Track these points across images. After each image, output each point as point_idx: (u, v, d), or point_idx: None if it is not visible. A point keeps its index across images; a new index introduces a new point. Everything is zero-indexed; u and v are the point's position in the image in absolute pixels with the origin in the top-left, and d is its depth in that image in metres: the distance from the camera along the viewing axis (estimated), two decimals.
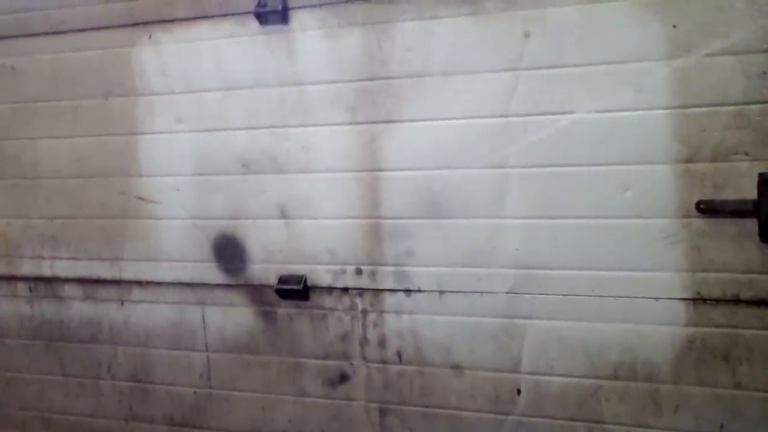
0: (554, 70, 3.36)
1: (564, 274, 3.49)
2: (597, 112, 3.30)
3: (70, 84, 4.14)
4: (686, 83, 3.16)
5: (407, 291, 3.72)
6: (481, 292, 3.61)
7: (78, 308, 4.44)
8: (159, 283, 4.15)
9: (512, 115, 3.41)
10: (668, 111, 3.22)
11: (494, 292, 3.60)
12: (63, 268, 4.42)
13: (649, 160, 3.20)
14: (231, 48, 3.77)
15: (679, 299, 3.23)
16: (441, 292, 3.67)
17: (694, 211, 3.14)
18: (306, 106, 3.67)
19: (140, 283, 4.18)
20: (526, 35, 3.37)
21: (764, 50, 3.04)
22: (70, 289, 4.43)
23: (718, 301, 3.17)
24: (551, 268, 3.50)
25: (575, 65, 3.33)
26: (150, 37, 3.95)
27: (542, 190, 3.45)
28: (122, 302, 4.25)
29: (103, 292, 4.34)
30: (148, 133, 4.03)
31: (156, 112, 3.89)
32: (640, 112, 3.26)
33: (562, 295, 3.49)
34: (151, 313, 4.21)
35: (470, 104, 3.46)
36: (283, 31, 3.68)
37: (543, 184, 3.44)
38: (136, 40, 3.96)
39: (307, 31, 3.60)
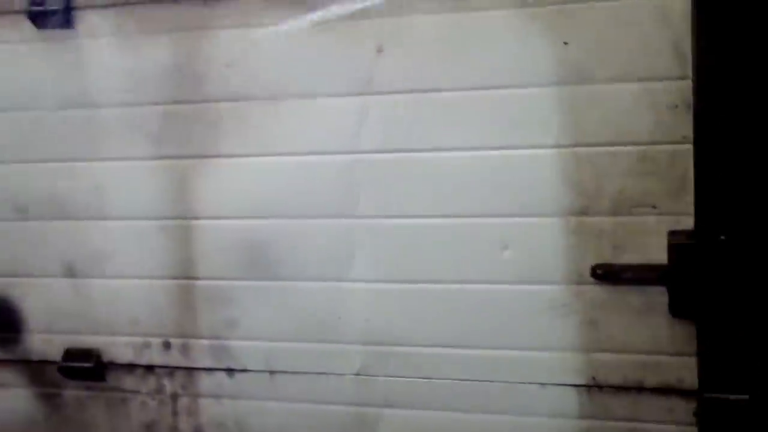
0: (412, 95, 2.71)
1: (426, 352, 2.85)
2: (468, 149, 2.63)
3: None
4: (580, 115, 2.58)
5: (229, 370, 3.06)
6: (323, 373, 2.96)
7: None
8: None
9: (361, 152, 2.64)
10: (557, 150, 2.63)
11: (339, 374, 2.95)
12: None
13: (534, 211, 2.66)
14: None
15: (571, 385, 2.70)
16: (272, 372, 3.01)
17: (589, 277, 2.59)
18: (98, 135, 2.86)
19: None
20: (379, 50, 2.55)
21: (677, 77, 2.44)
22: None
23: (617, 388, 2.65)
24: (410, 345, 2.86)
25: (438, 89, 2.68)
26: None
27: (399, 247, 2.82)
28: None
29: None
30: None
31: None
32: (523, 151, 2.67)
33: (425, 378, 2.87)
34: None
35: (307, 137, 2.76)
36: (67, 37, 2.96)
37: (400, 238, 2.81)
38: None
39: (99, 38, 2.89)
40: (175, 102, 2.89)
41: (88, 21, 2.94)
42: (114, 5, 2.89)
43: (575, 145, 2.60)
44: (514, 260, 2.72)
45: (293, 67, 2.77)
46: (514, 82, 2.63)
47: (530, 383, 2.76)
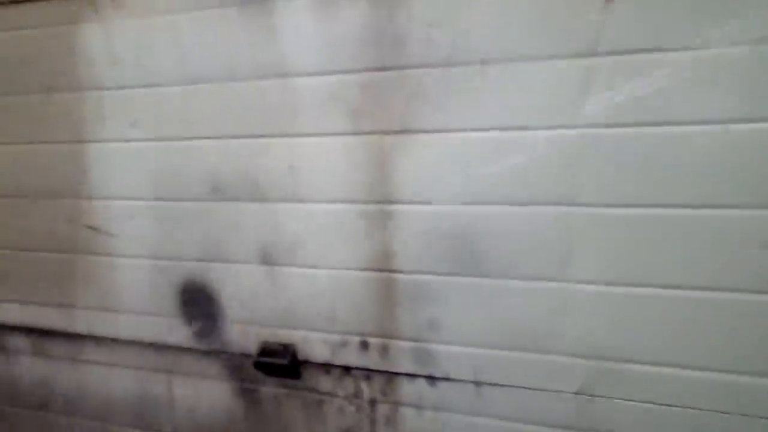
0: (650, 56, 2.27)
1: (661, 372, 2.37)
2: (717, 122, 2.20)
3: (2, 74, 3.12)
4: None
5: (431, 378, 2.69)
6: (537, 389, 2.53)
7: (27, 365, 3.39)
8: (116, 340, 2.98)
9: (585, 126, 2.20)
10: None
11: (556, 391, 2.51)
12: (7, 312, 3.33)
13: None
14: (193, 25, 2.81)
15: None
16: (478, 383, 2.60)
17: None
18: (293, 108, 2.54)
19: (95, 339, 3.03)
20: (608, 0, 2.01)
21: None
22: (16, 341, 3.31)
23: None
24: (642, 362, 2.39)
25: (684, 47, 2.21)
26: (96, 10, 2.76)
27: (628, 241, 2.34)
28: (73, 361, 3.08)
29: (55, 346, 3.34)
30: (98, 141, 2.82)
31: (107, 112, 2.68)
32: None
33: (659, 404, 2.38)
34: (109, 379, 3.06)
35: (522, 108, 2.29)
36: (261, 0, 2.45)
37: (629, 231, 2.32)
38: (80, 15, 2.93)
39: (294, 0, 2.30)
40: (376, 69, 2.48)
41: None
42: None
43: None
44: None
45: (506, 25, 2.29)
46: None
47: None
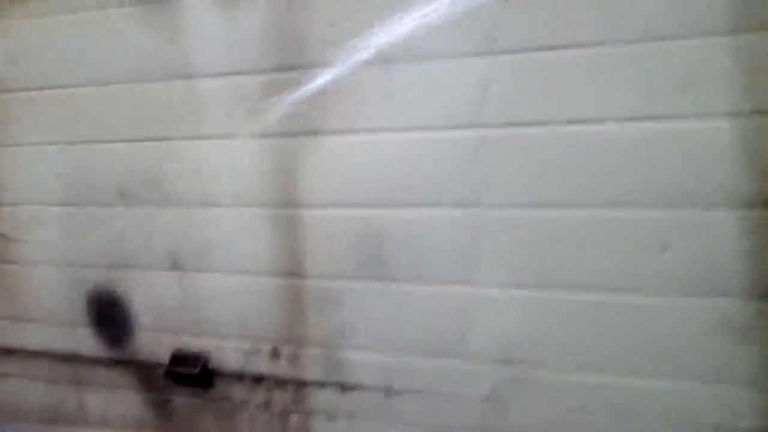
0: (549, 54, 2.23)
1: (570, 378, 2.32)
2: (617, 120, 2.16)
3: None
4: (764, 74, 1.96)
5: (342, 386, 2.60)
6: (448, 395, 2.47)
7: None
8: (25, 351, 2.89)
9: (487, 125, 2.18)
10: (734, 120, 2.06)
11: (466, 397, 2.46)
12: None
13: (703, 201, 2.09)
14: (97, 24, 2.75)
15: None
16: (389, 390, 2.52)
17: None
18: (199, 110, 2.42)
19: (5, 350, 2.94)
20: None
21: None
22: None
23: None
24: (551, 367, 2.33)
25: (581, 44, 2.19)
26: None
27: (534, 243, 2.32)
28: None
29: None
30: (3, 145, 2.74)
31: (11, 115, 2.60)
32: (689, 122, 2.11)
33: (568, 409, 2.33)
34: (19, 392, 2.95)
35: (424, 108, 2.20)
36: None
37: (535, 233, 2.29)
38: None
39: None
40: (278, 70, 2.42)
41: None
42: None
43: (759, 112, 1.97)
44: (676, 265, 2.12)
45: (406, 24, 2.26)
46: (676, 30, 2.02)
47: (698, 423, 2.15)
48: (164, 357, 2.83)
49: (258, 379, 2.70)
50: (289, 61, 2.43)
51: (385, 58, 2.33)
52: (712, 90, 1.98)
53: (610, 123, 2.09)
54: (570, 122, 2.13)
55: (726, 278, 2.04)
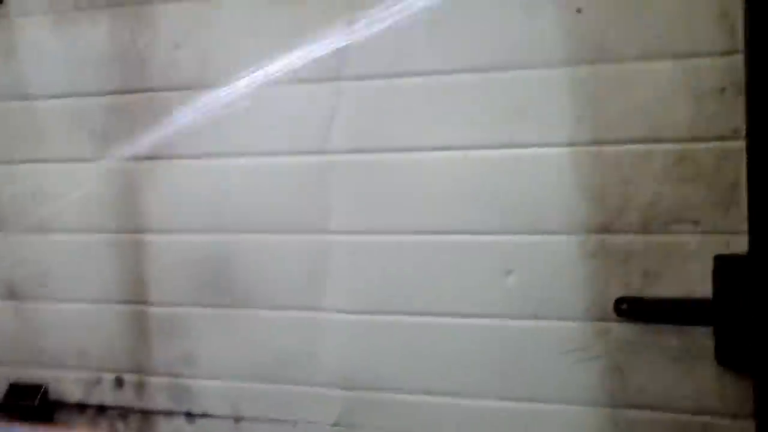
0: (393, 81, 2.25)
1: (419, 400, 2.32)
2: (460, 148, 2.22)
3: None
4: (600, 104, 2.06)
5: (189, 415, 2.58)
6: (296, 421, 2.45)
7: None
8: None
9: (333, 152, 2.20)
10: (571, 149, 2.11)
11: (314, 423, 2.43)
12: None
13: (543, 227, 2.13)
14: None
15: None
16: (237, 418, 2.53)
17: (613, 313, 2.06)
18: (37, 132, 2.29)
19: None
20: (351, 23, 2.01)
21: (723, 52, 1.92)
22: None
23: None
24: (399, 391, 2.34)
25: (423, 73, 2.21)
26: None
27: (380, 269, 2.32)
28: None
29: None
30: None
31: None
32: (528, 150, 2.16)
33: None
34: None
35: (271, 132, 2.17)
36: None
37: (381, 259, 2.30)
38: None
39: (32, 16, 2.20)
40: (120, 92, 2.35)
41: None
42: None
43: (595, 143, 2.06)
44: (519, 289, 2.18)
45: (250, 47, 2.22)
46: (514, 61, 2.09)
47: None
48: (1, 390, 2.71)
49: (101, 410, 2.63)
50: (133, 84, 2.38)
51: (230, 81, 2.30)
52: (550, 119, 2.05)
53: (453, 150, 2.13)
54: (414, 149, 2.17)
55: (567, 301, 2.12)
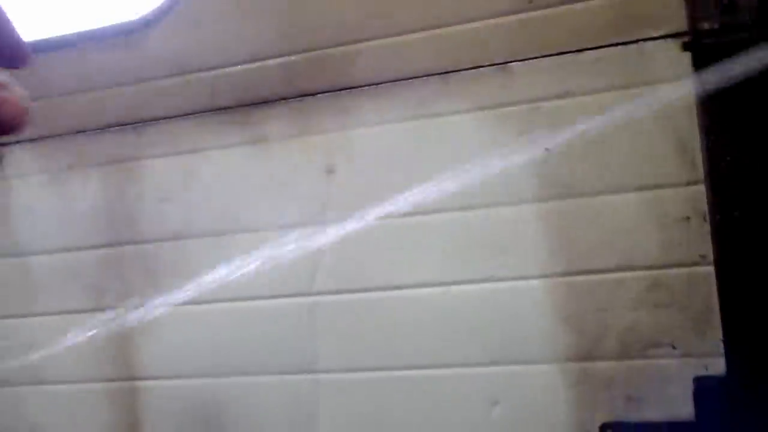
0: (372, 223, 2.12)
1: None
2: (439, 285, 2.26)
3: None
4: (572, 237, 2.14)
5: None
6: None
7: None
8: None
9: (319, 293, 2.24)
10: (547, 280, 2.16)
11: None
12: None
13: (525, 357, 2.17)
14: None
15: None
16: None
17: None
18: (32, 287, 2.30)
19: None
20: (329, 171, 2.13)
21: (686, 183, 1.94)
22: None
23: None
24: None
25: (402, 215, 2.17)
26: None
27: (368, 406, 2.36)
28: None
29: None
30: None
31: None
32: (505, 283, 2.23)
33: None
34: None
35: (257, 278, 2.12)
36: None
37: (369, 396, 2.33)
38: None
39: (27, 177, 2.27)
40: (111, 245, 2.42)
41: (16, 158, 2.58)
42: (42, 138, 2.49)
43: (569, 274, 2.12)
44: (505, 419, 2.21)
45: (236, 197, 2.30)
46: (487, 199, 2.13)
47: None
48: None
49: None
50: (124, 236, 2.44)
51: (214, 231, 2.36)
52: (525, 253, 2.12)
53: (434, 287, 2.18)
54: (396, 287, 2.22)
55: (553, 429, 2.14)
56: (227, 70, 2.33)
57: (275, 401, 2.40)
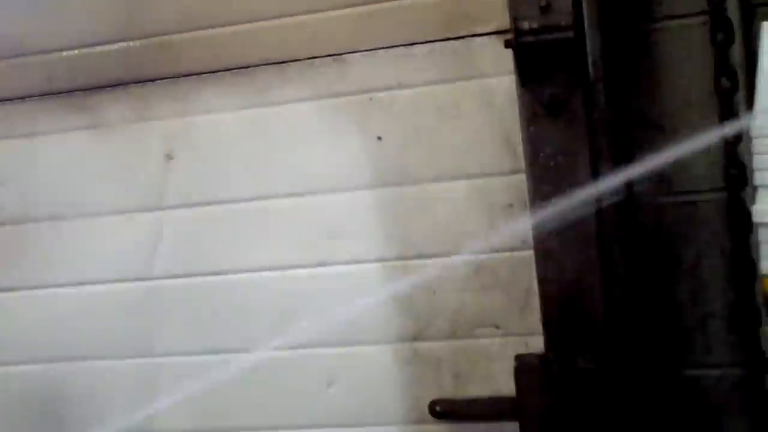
0: (210, 208, 2.32)
1: None
2: (276, 269, 2.31)
3: None
4: (405, 222, 2.21)
5: None
6: None
7: None
8: None
9: (155, 278, 2.19)
10: (380, 264, 2.25)
11: None
12: None
13: (359, 338, 2.25)
14: None
15: None
16: None
17: (428, 415, 2.16)
18: None
19: None
20: (168, 157, 2.12)
21: (509, 172, 2.07)
22: None
23: None
24: None
25: (239, 200, 2.32)
26: None
27: (206, 389, 2.32)
28: None
29: None
30: None
31: None
32: (341, 267, 2.29)
33: None
34: None
35: (93, 262, 2.11)
36: None
37: (206, 378, 2.33)
38: None
39: None
40: None
41: None
42: None
43: (402, 258, 2.20)
44: (341, 397, 2.29)
45: (74, 182, 2.29)
46: (324, 186, 2.20)
47: None
48: None
49: None
50: None
51: (52, 215, 2.35)
52: (360, 238, 2.19)
53: (271, 271, 2.23)
54: (233, 271, 2.26)
55: (387, 407, 2.24)
56: (64, 54, 2.29)
57: (115, 385, 2.41)
